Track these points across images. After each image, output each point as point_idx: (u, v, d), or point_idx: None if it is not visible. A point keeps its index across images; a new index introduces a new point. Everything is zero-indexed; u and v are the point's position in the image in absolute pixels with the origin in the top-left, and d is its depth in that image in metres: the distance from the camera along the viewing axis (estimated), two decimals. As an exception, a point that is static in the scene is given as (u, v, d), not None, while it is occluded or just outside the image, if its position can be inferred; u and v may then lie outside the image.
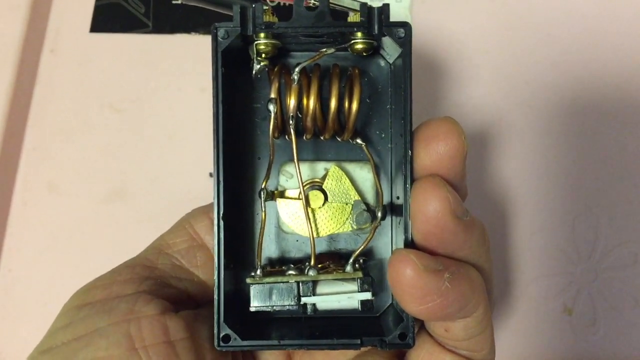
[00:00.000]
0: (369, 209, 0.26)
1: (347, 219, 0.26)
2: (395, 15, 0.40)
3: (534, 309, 0.34)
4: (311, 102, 0.25)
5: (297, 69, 0.24)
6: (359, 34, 0.24)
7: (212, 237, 0.26)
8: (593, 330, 0.34)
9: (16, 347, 0.36)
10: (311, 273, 0.24)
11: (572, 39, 0.38)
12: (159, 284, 0.25)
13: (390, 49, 0.26)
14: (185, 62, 0.40)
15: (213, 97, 0.24)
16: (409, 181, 0.23)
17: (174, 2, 0.41)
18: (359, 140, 0.26)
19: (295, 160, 0.25)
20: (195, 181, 0.38)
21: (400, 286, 0.21)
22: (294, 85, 0.24)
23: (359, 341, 0.24)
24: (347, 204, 0.26)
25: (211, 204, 0.27)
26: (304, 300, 0.25)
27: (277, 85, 0.25)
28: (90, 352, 0.22)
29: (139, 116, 0.39)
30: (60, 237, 0.38)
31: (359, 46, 0.24)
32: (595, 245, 0.35)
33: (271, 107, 0.24)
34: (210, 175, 0.38)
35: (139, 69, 0.40)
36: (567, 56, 0.38)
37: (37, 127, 0.39)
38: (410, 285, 0.21)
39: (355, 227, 0.26)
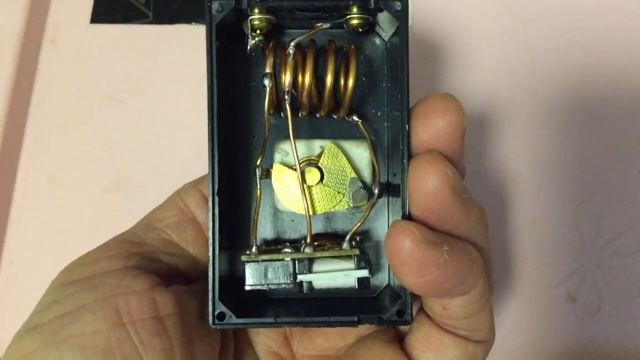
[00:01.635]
0: (366, 186, 0.25)
1: (343, 196, 0.25)
2: None
3: (537, 297, 0.34)
4: (307, 78, 0.24)
5: (292, 43, 0.24)
6: (355, 9, 0.24)
7: (203, 211, 0.25)
8: (597, 317, 0.34)
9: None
10: (307, 250, 0.24)
11: (575, 25, 0.38)
12: (147, 259, 0.24)
13: (386, 26, 0.25)
14: (186, 52, 0.40)
15: (207, 72, 0.24)
16: (406, 157, 0.23)
17: (174, -8, 0.41)
18: (355, 118, 0.26)
19: (291, 136, 0.24)
20: (195, 171, 0.38)
21: (399, 257, 0.21)
22: (290, 60, 0.24)
23: (356, 318, 0.24)
24: (343, 182, 0.25)
25: (202, 177, 0.27)
26: (300, 278, 0.24)
27: (272, 60, 0.24)
28: (77, 328, 0.21)
29: (139, 106, 0.39)
30: (61, 228, 0.37)
31: (355, 21, 0.24)
32: (599, 233, 0.35)
33: (266, 82, 0.24)
34: (212, 165, 0.38)
35: (139, 60, 0.40)
36: (570, 43, 0.38)
37: (37, 118, 0.39)
38: (409, 256, 0.21)
39: (351, 204, 0.25)
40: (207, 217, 0.25)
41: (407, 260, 0.21)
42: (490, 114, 0.37)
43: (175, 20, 0.41)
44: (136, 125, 0.39)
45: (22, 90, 0.39)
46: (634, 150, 0.36)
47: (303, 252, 0.24)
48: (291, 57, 0.24)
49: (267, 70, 0.24)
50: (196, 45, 0.40)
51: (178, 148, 0.38)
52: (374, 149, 0.26)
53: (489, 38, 0.38)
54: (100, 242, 0.38)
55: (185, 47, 0.40)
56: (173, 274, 0.25)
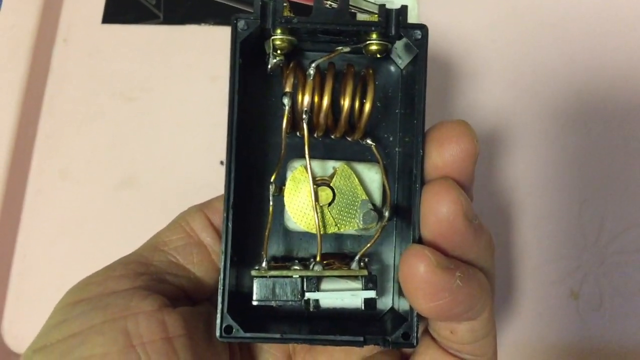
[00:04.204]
0: (376, 208, 0.26)
1: (353, 217, 0.26)
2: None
3: (540, 293, 0.35)
4: (325, 100, 0.25)
5: (313, 65, 0.24)
6: (374, 35, 0.24)
7: (209, 234, 0.26)
8: (599, 314, 0.34)
9: (32, 331, 0.37)
10: (316, 268, 0.25)
11: (578, 28, 0.39)
12: (154, 280, 0.24)
13: (403, 53, 0.26)
14: (196, 52, 0.41)
15: (230, 87, 0.24)
16: (419, 182, 0.23)
17: (184, -7, 0.42)
18: (369, 141, 0.26)
19: (307, 156, 0.25)
20: (205, 169, 0.38)
21: (413, 281, 0.21)
22: (309, 81, 0.24)
23: (362, 339, 0.24)
24: (354, 203, 0.26)
25: (207, 201, 0.27)
26: (307, 295, 0.24)
27: (292, 79, 0.25)
28: (87, 349, 0.21)
29: (150, 105, 0.40)
30: (73, 223, 0.38)
31: (374, 47, 0.25)
32: (602, 230, 0.35)
33: (285, 101, 0.24)
34: (222, 163, 0.39)
35: (150, 59, 0.41)
36: (575, 46, 0.38)
37: (50, 115, 0.40)
38: (424, 281, 0.21)
39: (361, 226, 0.26)
40: (212, 240, 0.26)
41: (422, 284, 0.21)
42: (496, 115, 0.38)
43: (185, 21, 0.41)
44: (147, 123, 0.39)
45: (35, 88, 0.40)
46: (637, 149, 0.37)
47: (312, 269, 0.25)
48: (311, 78, 0.24)
49: (287, 89, 0.25)
50: (206, 45, 0.41)
51: (188, 145, 0.39)
52: (386, 172, 0.26)
53: (493, 46, 0.39)
54: (111, 237, 0.38)
55: (195, 47, 0.41)
56: (179, 296, 0.25)
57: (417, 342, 0.24)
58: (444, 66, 0.39)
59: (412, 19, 0.40)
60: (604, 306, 0.34)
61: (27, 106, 0.39)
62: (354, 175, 0.26)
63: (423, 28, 0.24)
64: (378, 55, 0.25)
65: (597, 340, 0.34)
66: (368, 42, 0.25)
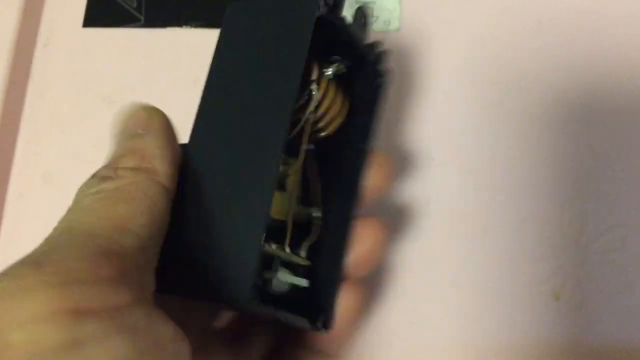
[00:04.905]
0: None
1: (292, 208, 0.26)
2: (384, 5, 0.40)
3: (522, 294, 0.34)
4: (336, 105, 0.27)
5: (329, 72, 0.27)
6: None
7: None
8: (581, 314, 0.34)
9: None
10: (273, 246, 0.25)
11: (564, 30, 0.38)
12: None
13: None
14: (178, 55, 0.41)
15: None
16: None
17: (164, -5, 0.42)
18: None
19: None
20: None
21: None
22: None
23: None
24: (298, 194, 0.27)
25: None
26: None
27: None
28: None
29: (131, 108, 0.40)
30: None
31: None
32: (584, 230, 0.35)
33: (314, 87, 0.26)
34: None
35: (131, 62, 0.41)
36: (558, 44, 0.38)
37: (31, 120, 0.40)
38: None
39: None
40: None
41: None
42: (476, 113, 0.38)
43: (166, 24, 0.41)
44: (128, 126, 0.39)
45: (16, 93, 0.40)
46: (618, 149, 0.36)
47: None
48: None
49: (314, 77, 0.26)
50: (187, 48, 0.41)
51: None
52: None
53: (474, 39, 0.39)
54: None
55: (177, 50, 0.41)
56: None
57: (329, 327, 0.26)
58: (422, 65, 0.39)
59: (394, 21, 0.40)
60: (585, 306, 0.34)
61: (8, 111, 0.39)
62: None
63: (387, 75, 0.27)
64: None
65: (578, 340, 0.34)
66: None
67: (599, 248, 0.35)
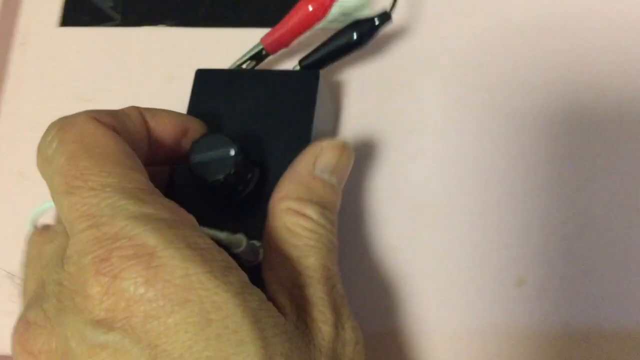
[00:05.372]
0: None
1: None
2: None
3: (487, 281, 0.35)
4: None
5: None
6: None
7: None
8: (544, 299, 0.35)
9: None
10: None
11: (535, 38, 0.40)
12: None
13: None
14: (152, 53, 0.41)
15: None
16: None
17: (140, -5, 0.43)
18: None
19: None
20: (161, 166, 0.39)
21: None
22: None
23: None
24: None
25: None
26: None
27: None
28: None
29: (107, 106, 0.40)
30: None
31: None
32: (547, 219, 0.36)
33: None
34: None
35: (107, 61, 0.41)
36: (536, 52, 0.40)
37: (9, 117, 0.41)
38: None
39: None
40: None
41: None
42: (444, 105, 0.39)
43: (142, 23, 0.42)
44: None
45: (-7, 91, 0.40)
46: (580, 141, 0.38)
47: None
48: None
49: None
50: (162, 46, 0.42)
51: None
52: None
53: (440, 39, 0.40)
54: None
55: (152, 48, 0.42)
56: None
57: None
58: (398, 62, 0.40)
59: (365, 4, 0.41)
60: (548, 292, 0.35)
61: (-15, 109, 0.40)
62: None
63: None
64: None
65: (542, 326, 0.35)
66: None
67: (560, 236, 0.36)
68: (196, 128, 0.30)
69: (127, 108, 0.26)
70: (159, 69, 0.41)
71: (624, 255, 0.35)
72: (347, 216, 0.36)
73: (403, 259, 0.36)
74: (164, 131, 0.28)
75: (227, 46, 0.41)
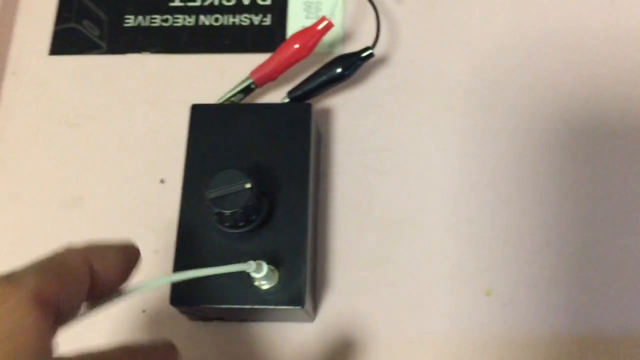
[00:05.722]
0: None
1: None
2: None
3: (455, 291, 0.37)
4: None
5: None
6: None
7: None
8: (511, 308, 0.37)
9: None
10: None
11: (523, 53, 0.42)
12: None
13: None
14: (136, 80, 0.44)
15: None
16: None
17: (125, 25, 0.45)
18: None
19: None
20: (146, 187, 0.41)
21: None
22: None
23: None
24: None
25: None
26: None
27: None
28: None
29: (94, 130, 0.42)
30: (22, 242, 0.40)
31: None
32: (514, 231, 0.38)
33: None
34: (161, 181, 0.41)
35: (94, 87, 0.44)
36: (531, 65, 0.42)
37: (0, 142, 0.42)
38: None
39: None
40: None
41: None
42: (413, 112, 0.41)
43: (126, 50, 0.44)
44: (90, 146, 0.42)
45: (-15, 118, 0.42)
46: (546, 154, 0.39)
47: None
48: None
49: None
50: (145, 73, 0.44)
51: (129, 166, 0.42)
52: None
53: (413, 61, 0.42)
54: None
55: (136, 75, 0.44)
56: None
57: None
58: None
59: (337, 12, 0.43)
60: (514, 301, 0.37)
61: (-23, 134, 0.42)
62: None
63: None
64: None
65: (508, 333, 0.36)
66: None
67: (526, 248, 0.38)
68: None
69: (74, 260, 0.24)
70: (142, 94, 0.43)
71: (586, 266, 0.37)
72: (324, 231, 0.38)
73: (375, 272, 0.38)
74: (110, 272, 0.27)
75: (209, 71, 0.43)
